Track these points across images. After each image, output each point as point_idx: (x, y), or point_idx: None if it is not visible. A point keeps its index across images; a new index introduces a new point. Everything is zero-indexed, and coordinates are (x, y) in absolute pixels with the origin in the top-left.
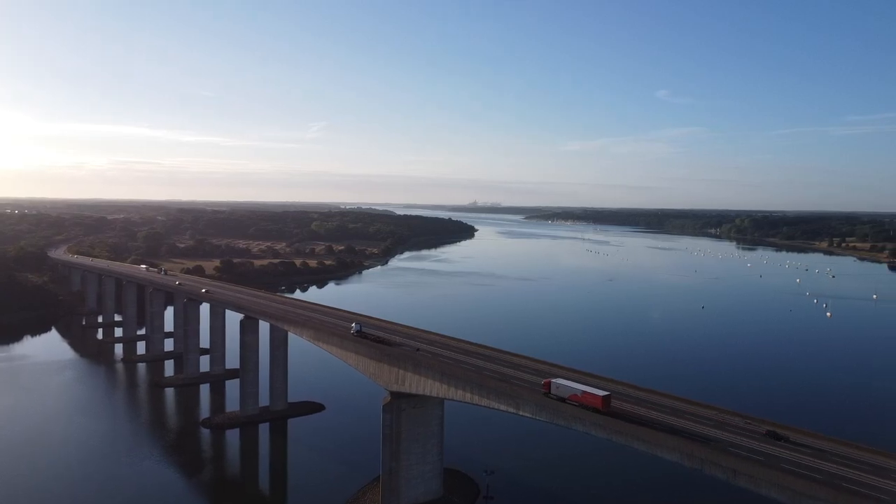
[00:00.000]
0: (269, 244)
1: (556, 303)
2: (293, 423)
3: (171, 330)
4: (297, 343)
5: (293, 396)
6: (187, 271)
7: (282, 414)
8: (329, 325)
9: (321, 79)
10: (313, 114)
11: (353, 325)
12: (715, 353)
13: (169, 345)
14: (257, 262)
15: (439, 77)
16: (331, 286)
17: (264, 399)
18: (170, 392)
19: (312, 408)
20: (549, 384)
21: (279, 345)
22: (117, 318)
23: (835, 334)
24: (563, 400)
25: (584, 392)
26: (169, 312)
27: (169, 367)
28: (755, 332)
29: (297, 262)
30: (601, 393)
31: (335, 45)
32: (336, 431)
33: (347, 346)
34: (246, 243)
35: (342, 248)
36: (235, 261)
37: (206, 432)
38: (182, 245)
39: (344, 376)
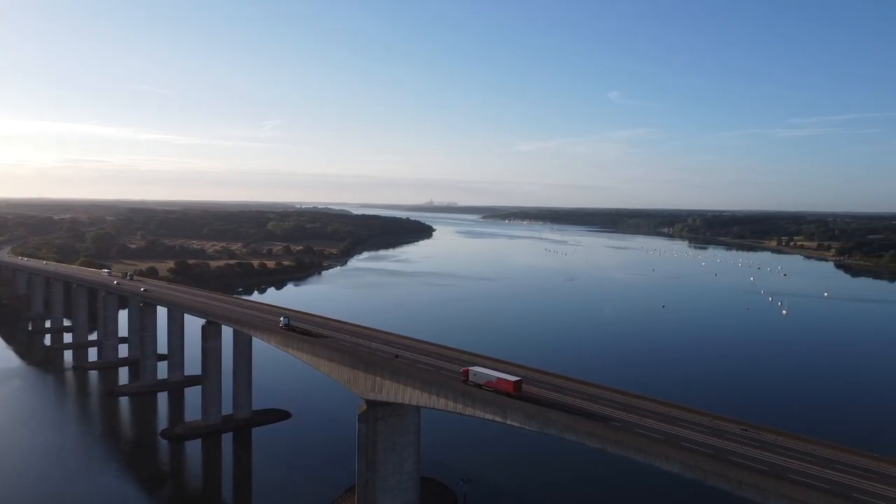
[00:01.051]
0: (224, 244)
1: (520, 303)
2: (258, 433)
3: (126, 335)
4: (258, 347)
5: (257, 404)
6: (140, 273)
7: (246, 422)
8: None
9: (276, 76)
10: (268, 112)
11: (282, 318)
12: (682, 352)
13: (123, 351)
14: (213, 264)
15: (393, 77)
16: (290, 287)
17: (227, 407)
18: (125, 401)
19: (278, 416)
20: (467, 372)
21: (243, 350)
22: (66, 323)
23: (793, 332)
24: (479, 386)
25: (498, 378)
26: (122, 316)
27: (123, 375)
28: (718, 331)
29: (255, 262)
30: (512, 378)
31: (290, 43)
32: (304, 440)
33: (320, 353)
34: (200, 244)
35: (300, 248)
36: (191, 262)
37: (165, 444)
38: (133, 246)
39: (308, 381)
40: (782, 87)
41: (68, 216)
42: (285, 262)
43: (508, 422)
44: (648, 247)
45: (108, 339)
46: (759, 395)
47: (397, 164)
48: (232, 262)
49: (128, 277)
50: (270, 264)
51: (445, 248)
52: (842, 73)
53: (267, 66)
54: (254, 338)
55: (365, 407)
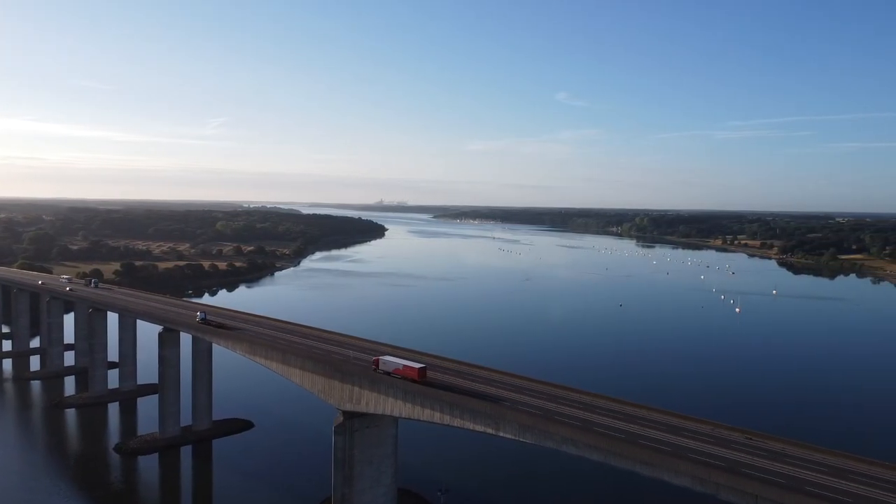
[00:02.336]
0: (171, 245)
1: (480, 304)
2: (219, 444)
3: (72, 342)
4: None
5: (217, 414)
6: (83, 275)
7: (207, 434)
8: (264, 336)
9: (221, 73)
10: (213, 109)
11: (199, 313)
12: (644, 351)
13: (69, 359)
14: (161, 265)
15: (340, 76)
16: (243, 290)
17: (185, 418)
18: (72, 413)
19: (240, 426)
20: (377, 361)
21: (202, 358)
22: (5, 329)
23: (749, 331)
24: (388, 374)
25: (405, 366)
26: (68, 322)
27: (70, 385)
28: (675, 329)
29: (206, 264)
30: (417, 366)
31: (235, 39)
32: (268, 451)
33: (291, 362)
34: (146, 244)
35: (251, 248)
36: (137, 263)
37: (117, 459)
38: (75, 247)
39: (269, 386)
40: (722, 90)
41: (3, 215)
42: (237, 264)
43: (501, 434)
44: (599, 246)
45: (53, 347)
46: (725, 393)
47: (346, 163)
48: (181, 263)
49: (92, 285)
50: (222, 265)
51: (399, 247)
52: (778, 78)
53: (211, 62)
54: (214, 345)
55: (341, 419)
